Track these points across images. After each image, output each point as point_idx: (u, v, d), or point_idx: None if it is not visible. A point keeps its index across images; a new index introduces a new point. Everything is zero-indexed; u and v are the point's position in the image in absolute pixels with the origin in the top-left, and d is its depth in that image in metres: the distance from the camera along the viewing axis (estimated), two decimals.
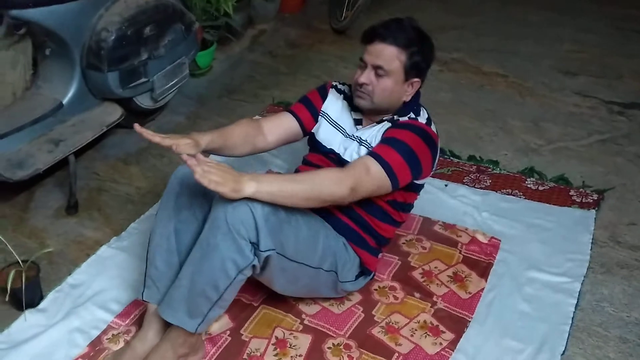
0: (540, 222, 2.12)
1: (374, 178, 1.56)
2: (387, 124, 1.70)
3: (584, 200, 2.22)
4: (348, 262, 1.69)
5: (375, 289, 1.85)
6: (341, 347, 1.66)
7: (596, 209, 2.17)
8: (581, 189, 2.29)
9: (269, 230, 1.42)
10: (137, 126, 1.56)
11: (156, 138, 1.56)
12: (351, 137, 1.77)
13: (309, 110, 1.86)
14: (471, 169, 2.41)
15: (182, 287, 1.47)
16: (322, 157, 1.81)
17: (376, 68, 1.64)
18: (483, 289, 1.85)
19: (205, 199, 1.55)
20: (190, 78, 2.55)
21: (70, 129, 2.15)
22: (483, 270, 1.92)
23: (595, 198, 2.23)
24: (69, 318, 1.74)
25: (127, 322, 1.73)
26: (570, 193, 2.26)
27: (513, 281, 1.89)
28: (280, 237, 1.45)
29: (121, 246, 2.01)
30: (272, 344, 1.66)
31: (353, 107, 1.78)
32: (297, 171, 1.85)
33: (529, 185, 2.31)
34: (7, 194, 2.21)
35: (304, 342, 1.67)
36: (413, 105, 1.73)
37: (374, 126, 1.73)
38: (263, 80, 3.10)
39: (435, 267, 1.93)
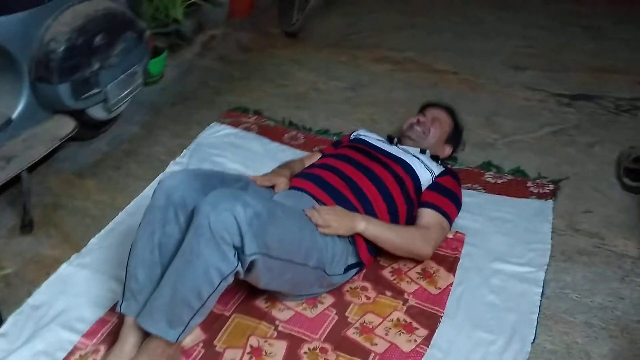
0: (501, 214, 2.17)
1: (445, 233, 1.93)
2: (440, 167, 2.06)
3: (540, 191, 2.29)
4: (337, 254, 1.71)
5: (347, 290, 1.85)
6: (317, 351, 1.65)
7: (553, 199, 2.24)
8: (537, 180, 2.35)
9: (253, 233, 1.41)
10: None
11: (264, 183, 1.82)
12: (398, 147, 2.12)
13: (334, 147, 2.21)
14: None
15: (163, 296, 1.45)
16: (355, 152, 2.02)
17: (433, 119, 2.21)
18: (452, 283, 1.88)
19: (192, 212, 1.52)
20: (142, 87, 2.49)
21: (21, 145, 2.06)
22: (450, 264, 1.95)
23: (552, 188, 2.30)
24: (32, 341, 1.66)
25: (94, 341, 1.67)
26: (527, 185, 2.33)
27: (480, 274, 1.92)
28: (265, 239, 1.45)
29: (82, 263, 1.94)
30: (248, 353, 1.63)
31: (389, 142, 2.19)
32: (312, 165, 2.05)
33: (487, 179, 2.37)
34: None
35: (279, 348, 1.66)
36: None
37: (418, 151, 2.11)
38: (217, 86, 3.06)
39: (404, 265, 1.94)
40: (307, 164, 2.12)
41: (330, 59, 3.34)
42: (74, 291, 1.84)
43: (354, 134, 2.24)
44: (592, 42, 3.56)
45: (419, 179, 1.97)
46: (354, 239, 1.77)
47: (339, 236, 1.71)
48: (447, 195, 1.96)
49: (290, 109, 2.83)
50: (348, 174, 1.88)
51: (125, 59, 2.28)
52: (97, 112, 2.33)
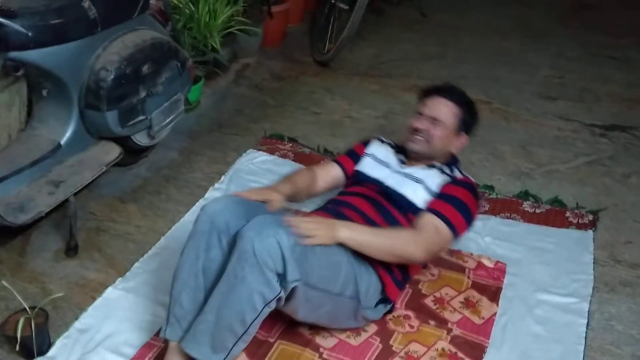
0: (541, 244, 2.17)
1: (442, 239, 1.77)
2: (446, 177, 1.90)
3: (580, 221, 2.28)
4: (371, 286, 1.71)
5: (390, 319, 1.85)
6: None
7: (593, 229, 2.23)
8: (576, 210, 2.35)
9: (295, 260, 1.43)
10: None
11: (252, 196, 1.69)
12: (399, 172, 1.96)
13: (352, 159, 2.10)
14: None
15: (207, 322, 1.47)
16: (362, 187, 1.92)
17: (432, 119, 1.93)
18: (495, 313, 1.88)
19: (234, 236, 1.54)
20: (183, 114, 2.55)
21: (69, 170, 2.11)
22: (493, 294, 1.95)
23: (591, 219, 2.29)
24: None
25: None
26: (566, 214, 2.32)
27: (523, 304, 1.92)
28: (305, 266, 1.47)
29: (127, 287, 1.97)
30: None
31: (397, 152, 2.05)
32: (329, 202, 1.96)
33: (526, 209, 2.37)
34: (2, 238, 2.15)
35: None
36: (456, 160, 2.03)
37: (425, 169, 1.93)
38: (252, 114, 3.11)
39: (446, 294, 1.95)
40: (320, 174, 2.04)
41: (362, 87, 3.38)
42: (119, 315, 1.86)
43: (368, 146, 2.12)
44: (622, 73, 3.57)
45: (417, 207, 1.85)
46: (378, 273, 1.74)
47: (366, 272, 1.69)
48: (449, 201, 1.81)
49: (324, 137, 2.86)
50: (368, 214, 1.82)
51: (170, 86, 2.33)
52: (142, 139, 2.38)
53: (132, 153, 2.53)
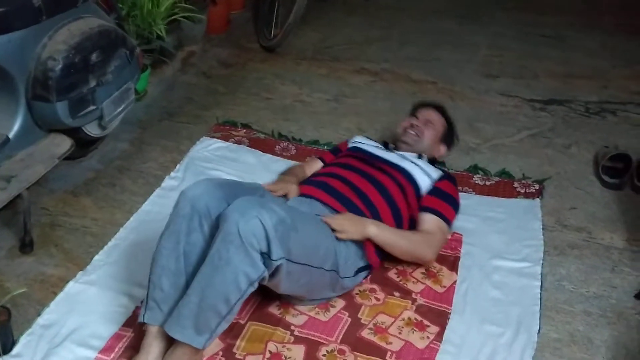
0: (493, 214, 2.27)
1: (445, 237, 2.02)
2: (438, 171, 2.13)
3: (527, 191, 2.40)
4: (350, 256, 1.78)
5: (357, 293, 1.90)
6: (335, 352, 1.70)
7: (540, 197, 2.35)
8: (523, 181, 2.47)
9: (279, 239, 1.46)
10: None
11: (278, 191, 1.91)
12: (394, 153, 2.19)
13: (334, 154, 2.31)
14: None
15: (191, 303, 1.47)
16: (349, 159, 2.10)
17: (426, 121, 2.25)
18: (455, 281, 1.96)
19: (216, 219, 1.55)
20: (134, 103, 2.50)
21: (19, 164, 2.04)
22: (452, 264, 2.03)
23: (537, 188, 2.42)
24: None
25: (112, 355, 1.67)
26: (514, 185, 2.44)
27: (480, 271, 2.01)
28: (288, 244, 1.50)
29: (89, 280, 1.93)
30: (267, 358, 1.66)
31: (385, 148, 2.26)
32: (314, 175, 2.13)
33: (476, 182, 2.47)
34: None
35: (297, 352, 1.69)
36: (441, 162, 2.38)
37: (416, 156, 2.18)
38: (202, 101, 3.08)
39: (407, 266, 2.01)
40: (309, 170, 2.18)
41: (311, 71, 3.41)
42: (83, 309, 1.83)
43: (352, 141, 2.30)
44: (556, 50, 3.74)
45: (419, 185, 2.05)
46: (363, 243, 1.83)
47: (351, 240, 1.77)
48: (445, 199, 2.04)
49: (277, 121, 2.88)
50: (355, 182, 1.95)
51: (119, 75, 2.28)
52: (92, 129, 2.32)
53: (82, 145, 2.46)
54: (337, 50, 3.69)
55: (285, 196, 1.89)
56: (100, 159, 2.57)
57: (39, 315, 1.80)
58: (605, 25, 4.08)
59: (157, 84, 3.16)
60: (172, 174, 2.46)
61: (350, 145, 2.29)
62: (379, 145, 2.27)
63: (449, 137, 2.33)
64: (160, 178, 2.45)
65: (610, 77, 3.41)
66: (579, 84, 3.30)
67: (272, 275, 1.53)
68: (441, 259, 2.04)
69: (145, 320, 1.59)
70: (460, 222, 2.21)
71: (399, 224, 1.95)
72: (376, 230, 1.82)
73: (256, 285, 1.51)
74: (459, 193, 2.35)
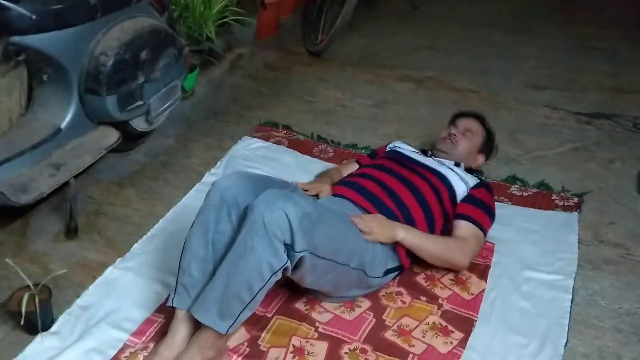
0: (528, 225, 2.25)
1: (480, 244, 2.00)
2: (475, 179, 2.14)
3: (565, 204, 2.36)
4: (378, 257, 1.80)
5: (383, 295, 1.92)
6: (357, 351, 1.72)
7: (578, 211, 2.31)
8: (562, 194, 2.43)
9: (303, 231, 1.50)
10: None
11: (311, 189, 1.98)
12: (432, 158, 2.21)
13: (371, 158, 2.32)
14: None
15: (216, 289, 1.53)
16: (387, 161, 2.13)
17: (464, 129, 2.27)
18: (484, 289, 1.95)
19: (244, 210, 1.61)
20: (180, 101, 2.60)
21: (69, 153, 2.15)
22: (482, 272, 2.02)
23: (576, 201, 2.37)
24: (84, 339, 1.73)
25: (143, 339, 1.74)
26: (552, 197, 2.40)
27: (510, 281, 1.99)
28: (312, 238, 1.53)
29: (127, 267, 2.02)
30: (291, 352, 1.70)
31: (424, 154, 2.27)
32: (349, 175, 2.18)
33: (513, 192, 2.44)
34: (2, 220, 2.19)
35: (320, 349, 1.72)
36: (480, 171, 2.39)
37: (453, 163, 2.19)
38: (246, 102, 3.16)
39: (436, 272, 2.01)
40: (345, 173, 2.21)
41: (354, 77, 3.45)
42: (120, 293, 1.91)
43: (390, 145, 2.33)
44: (607, 63, 3.66)
45: (454, 190, 2.05)
46: (395, 244, 1.85)
47: (372, 244, 1.79)
48: (481, 207, 2.04)
49: (318, 124, 2.93)
50: (388, 183, 1.97)
51: (167, 73, 2.38)
52: (139, 124, 2.43)
53: (129, 139, 2.57)
54: (383, 57, 3.71)
55: (317, 196, 1.92)
56: (146, 153, 2.68)
57: (78, 296, 1.89)
58: None
59: (205, 84, 3.27)
60: (212, 170, 2.54)
61: (388, 149, 2.31)
62: (417, 151, 2.28)
63: (487, 147, 2.33)
64: (201, 174, 2.53)
65: None
66: (628, 98, 3.22)
67: (296, 267, 1.56)
68: (471, 267, 2.03)
69: (173, 304, 1.65)
70: (494, 231, 2.19)
71: (431, 227, 1.96)
72: (405, 235, 1.83)
73: (279, 275, 1.54)
74: (496, 202, 2.35)
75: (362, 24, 4.08)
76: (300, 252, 1.51)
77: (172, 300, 1.66)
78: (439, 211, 1.98)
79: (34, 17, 1.86)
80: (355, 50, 3.78)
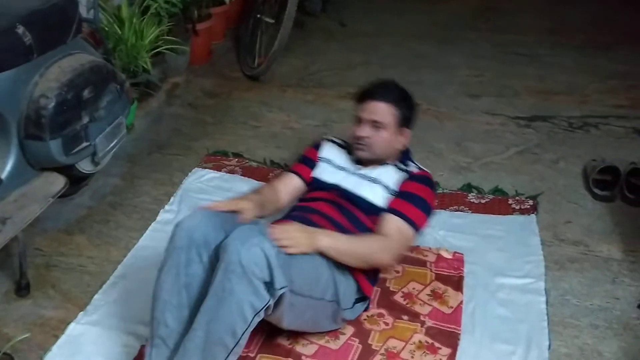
0: (491, 232, 2.29)
1: (407, 239, 1.86)
2: (403, 174, 1.96)
3: (522, 207, 2.43)
4: (348, 288, 1.75)
5: (365, 319, 1.89)
6: None
7: (535, 213, 2.39)
8: (517, 197, 2.50)
9: (281, 266, 1.45)
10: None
11: (224, 207, 1.69)
12: (355, 174, 2.00)
13: (307, 165, 2.11)
14: None
15: (196, 338, 1.45)
16: (324, 192, 1.94)
17: (372, 122, 1.94)
18: (462, 301, 1.96)
19: (215, 250, 1.53)
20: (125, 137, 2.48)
21: (13, 205, 1.99)
22: (456, 284, 2.03)
23: (531, 204, 2.45)
24: None
25: None
26: (509, 202, 2.47)
27: (485, 290, 2.02)
28: (290, 273, 1.49)
29: (90, 320, 1.89)
30: None
31: (350, 152, 2.06)
32: (293, 209, 1.98)
33: (471, 200, 2.49)
34: None
35: None
36: (408, 152, 2.07)
37: (380, 167, 1.98)
38: (190, 132, 3.07)
39: (413, 288, 2.01)
40: (281, 187, 2.05)
41: (296, 98, 3.42)
42: (87, 351, 1.79)
43: (320, 154, 2.12)
44: (532, 68, 3.81)
45: (372, 204, 1.92)
46: (356, 276, 1.80)
47: (342, 274, 1.74)
48: (408, 199, 1.89)
49: (269, 149, 2.88)
50: (333, 217, 1.87)
51: (111, 110, 2.26)
52: (85, 166, 2.29)
53: (73, 182, 2.42)
54: (321, 76, 3.71)
55: (237, 212, 1.69)
56: (91, 196, 2.54)
57: None
58: (576, 42, 4.18)
59: (144, 117, 3.14)
60: (166, 207, 2.44)
61: (313, 174, 2.08)
62: (343, 162, 2.06)
63: (406, 116, 1.99)
64: (154, 212, 2.42)
65: (587, 92, 3.48)
66: (558, 99, 3.37)
67: (275, 306, 1.50)
68: (445, 279, 2.05)
69: (153, 359, 1.55)
70: (460, 241, 2.23)
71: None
72: (328, 242, 1.65)
73: (262, 315, 1.48)
74: (456, 212, 2.39)
75: (295, 43, 4.05)
76: (280, 288, 1.46)
77: (150, 355, 1.55)
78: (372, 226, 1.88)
79: None
80: (292, 71, 3.76)
